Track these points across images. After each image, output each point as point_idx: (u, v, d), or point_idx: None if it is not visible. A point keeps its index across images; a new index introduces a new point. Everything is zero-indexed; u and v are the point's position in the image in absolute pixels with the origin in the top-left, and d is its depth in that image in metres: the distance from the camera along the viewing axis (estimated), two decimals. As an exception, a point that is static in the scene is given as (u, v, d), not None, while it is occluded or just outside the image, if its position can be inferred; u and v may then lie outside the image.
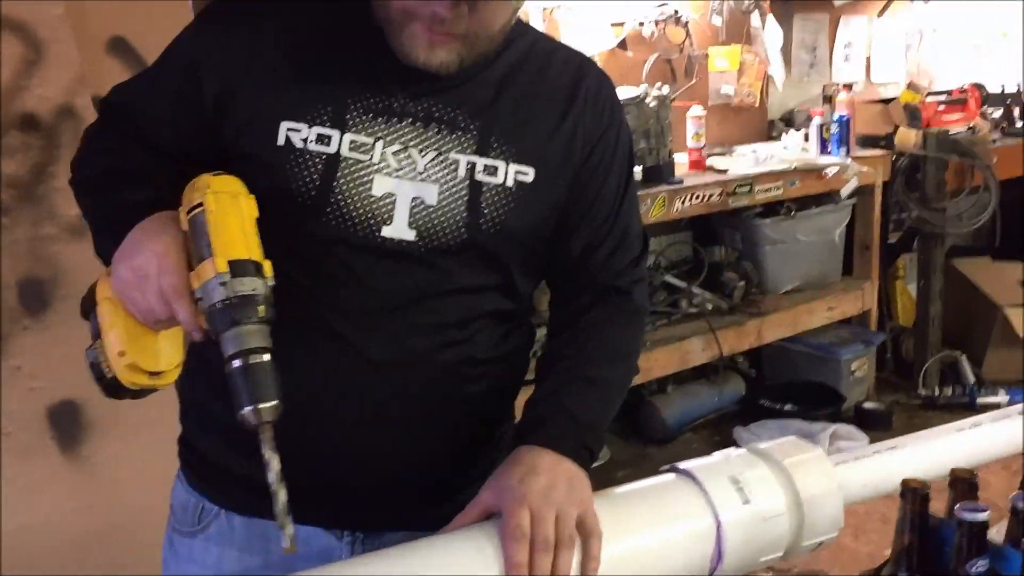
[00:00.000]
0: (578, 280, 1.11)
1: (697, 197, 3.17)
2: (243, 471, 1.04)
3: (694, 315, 3.41)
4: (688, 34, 3.56)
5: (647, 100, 3.12)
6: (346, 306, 1.01)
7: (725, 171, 3.33)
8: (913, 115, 3.91)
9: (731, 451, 1.06)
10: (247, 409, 0.87)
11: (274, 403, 0.88)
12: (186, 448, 1.16)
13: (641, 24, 3.46)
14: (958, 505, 0.93)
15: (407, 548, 0.90)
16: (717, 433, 3.53)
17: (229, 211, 0.92)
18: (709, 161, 3.40)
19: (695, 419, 3.56)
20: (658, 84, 3.30)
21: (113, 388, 0.95)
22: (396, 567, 0.88)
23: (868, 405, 3.68)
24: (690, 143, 3.37)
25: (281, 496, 0.87)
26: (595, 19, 3.30)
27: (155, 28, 2.19)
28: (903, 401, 3.84)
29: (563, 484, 0.93)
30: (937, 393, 3.79)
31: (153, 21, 2.22)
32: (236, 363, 0.88)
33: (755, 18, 3.74)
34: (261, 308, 0.89)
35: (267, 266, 0.92)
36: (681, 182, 3.17)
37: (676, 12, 3.50)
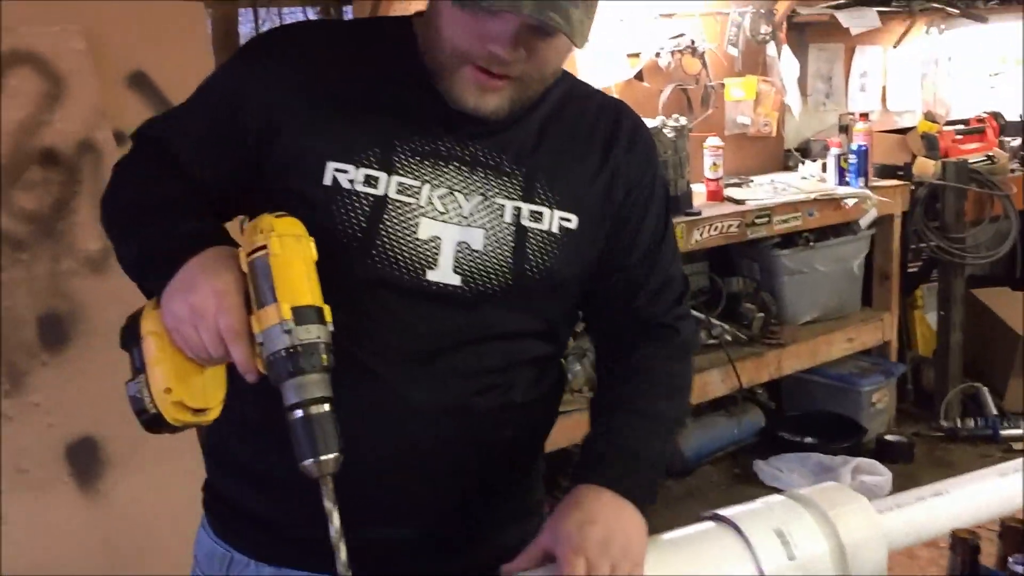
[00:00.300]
0: (623, 320, 1.11)
1: (715, 228, 3.15)
2: (274, 520, 1.02)
3: (713, 346, 3.37)
4: (704, 64, 3.56)
5: (664, 131, 3.11)
6: (387, 349, 0.99)
7: (743, 201, 3.31)
8: (931, 144, 3.88)
9: (774, 499, 1.03)
10: (309, 461, 0.86)
11: (336, 455, 0.87)
12: (210, 495, 1.14)
13: (657, 55, 3.46)
14: (1011, 558, 0.90)
15: None
16: (736, 465, 3.49)
17: (294, 256, 0.90)
18: (726, 192, 3.39)
19: (714, 451, 3.51)
20: (675, 115, 3.29)
21: (155, 424, 0.93)
22: None
23: (889, 437, 3.63)
24: (707, 173, 3.35)
25: (342, 551, 0.86)
26: (612, 50, 3.30)
27: (175, 63, 2.20)
28: (924, 433, 3.79)
29: (620, 538, 0.93)
30: (959, 425, 3.74)
31: (173, 56, 2.23)
32: (298, 413, 0.87)
33: (771, 48, 3.74)
34: (324, 357, 0.87)
35: (327, 311, 0.90)
36: (699, 213, 3.16)
37: (692, 42, 3.50)
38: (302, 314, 0.87)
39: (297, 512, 0.98)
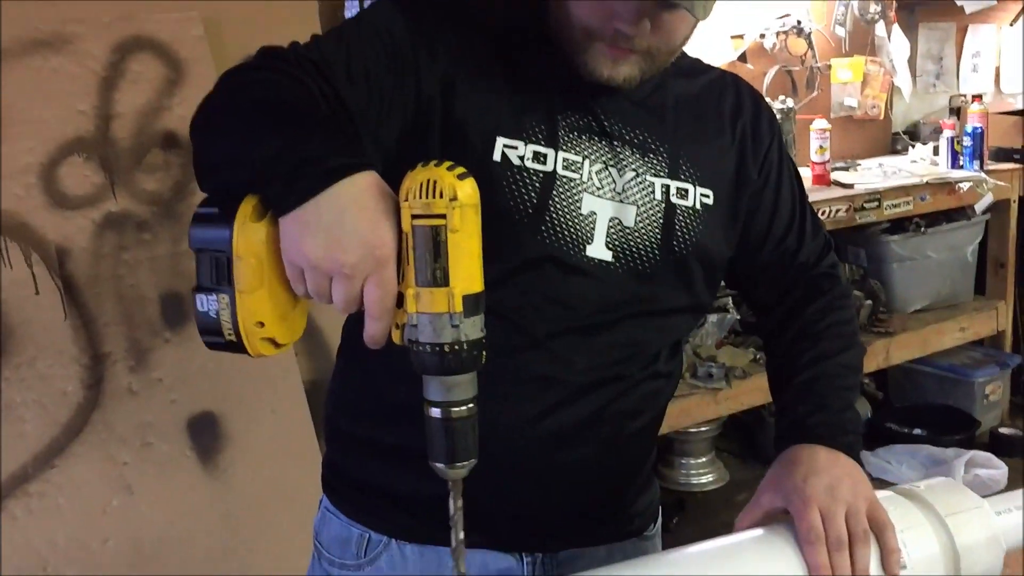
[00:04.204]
0: (784, 281, 1.13)
1: (823, 213, 3.06)
2: (414, 497, 1.01)
3: (818, 335, 3.29)
4: (810, 45, 3.47)
5: (771, 113, 3.04)
6: (551, 321, 0.98)
7: (851, 186, 3.22)
8: (1050, 126, 3.72)
9: (888, 497, 0.98)
10: (441, 465, 0.80)
11: (470, 461, 0.80)
12: (335, 475, 1.11)
13: (762, 36, 3.38)
14: None
15: (708, 551, 0.91)
16: (862, 446, 3.39)
17: (473, 233, 0.77)
18: (833, 176, 3.30)
19: (818, 442, 3.43)
20: (781, 97, 3.22)
21: (225, 348, 0.81)
22: (707, 568, 0.89)
23: (1004, 430, 3.49)
24: (814, 157, 3.26)
25: (462, 565, 0.82)
26: (715, 31, 3.24)
27: (289, 46, 2.24)
28: (1040, 427, 3.64)
29: (846, 480, 0.93)
30: (1076, 419, 3.58)
31: (288, 39, 2.26)
32: (436, 412, 0.78)
33: (879, 28, 3.62)
34: (483, 354, 0.78)
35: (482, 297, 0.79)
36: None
37: (798, 23, 3.41)
38: (471, 304, 0.76)
39: (436, 486, 0.98)
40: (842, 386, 1.05)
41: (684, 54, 1.07)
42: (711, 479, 3.24)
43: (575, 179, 0.98)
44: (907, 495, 0.98)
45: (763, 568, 0.89)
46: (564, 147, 0.98)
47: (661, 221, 1.02)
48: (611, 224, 0.99)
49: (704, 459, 3.26)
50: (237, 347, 0.80)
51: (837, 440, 0.98)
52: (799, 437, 0.99)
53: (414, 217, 0.76)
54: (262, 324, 0.79)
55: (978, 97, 3.74)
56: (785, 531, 0.92)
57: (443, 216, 0.75)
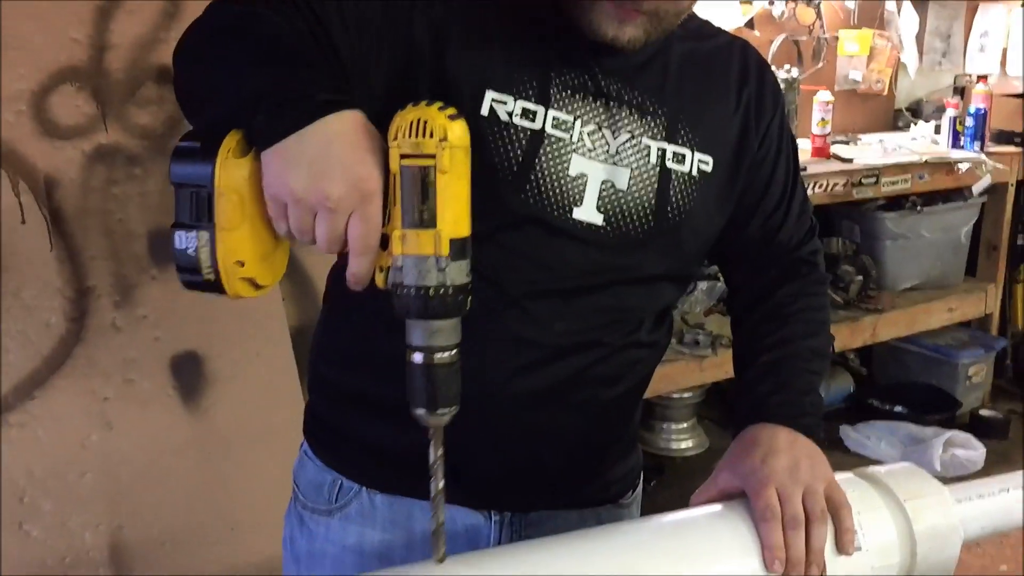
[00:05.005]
0: (761, 259, 1.11)
1: (820, 186, 3.05)
2: (387, 446, 1.01)
3: (807, 308, 3.29)
4: (819, 15, 3.43)
5: (775, 82, 3.01)
6: (532, 284, 0.97)
7: (850, 160, 3.20)
8: (1053, 111, 3.70)
9: (847, 479, 0.97)
10: (422, 411, 0.79)
11: (452, 408, 0.79)
12: (315, 422, 1.12)
13: (771, 3, 3.34)
14: None
15: (663, 525, 0.90)
16: (823, 430, 3.41)
17: (463, 175, 0.75)
18: (833, 149, 3.27)
19: (799, 414, 3.45)
20: (786, 66, 3.18)
21: (204, 288, 0.79)
22: (660, 542, 0.89)
23: (984, 412, 3.53)
24: (815, 129, 3.24)
25: (441, 512, 0.81)
26: (724, -4, 3.20)
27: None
28: (1020, 411, 3.67)
29: (805, 461, 0.93)
30: (1058, 405, 3.61)
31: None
32: (418, 357, 0.77)
33: (890, 3, 3.58)
34: (468, 300, 0.77)
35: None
36: (804, 169, 3.03)
37: (809, -9, 3.37)
38: (458, 248, 0.75)
39: (411, 438, 0.97)
40: (807, 369, 1.04)
41: (693, 15, 1.04)
42: (691, 445, 3.25)
43: (564, 139, 0.95)
44: (867, 478, 0.97)
45: (716, 544, 0.89)
46: (555, 105, 0.95)
47: (656, 186, 0.99)
48: (603, 187, 0.97)
49: (685, 424, 3.28)
50: (215, 286, 0.78)
51: (798, 421, 0.97)
52: (760, 416, 0.98)
53: (403, 157, 0.74)
54: (242, 263, 0.77)
55: (983, 78, 3.72)
56: (742, 508, 0.91)
57: (432, 156, 0.74)
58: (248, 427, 2.04)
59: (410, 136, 0.74)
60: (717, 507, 0.93)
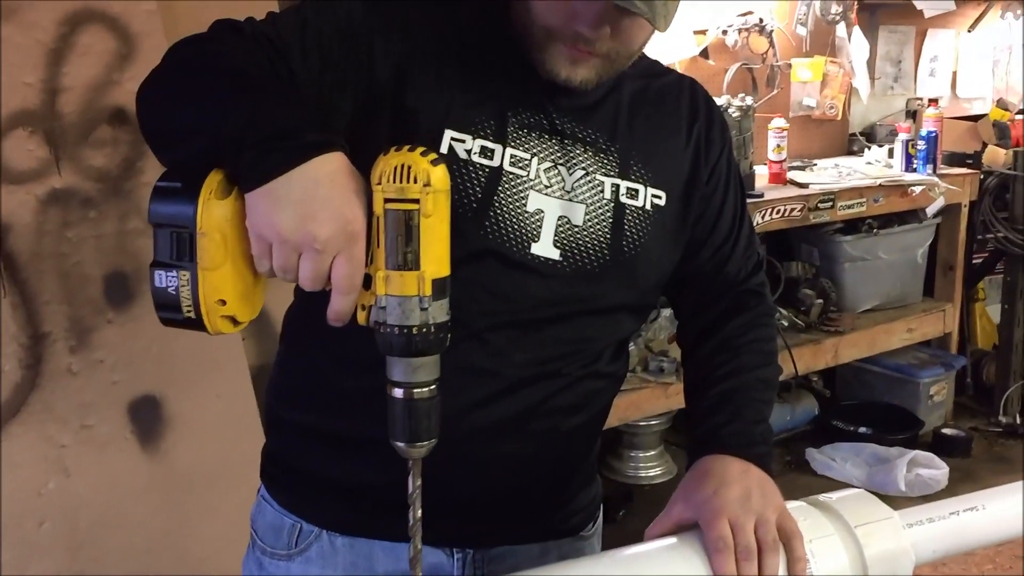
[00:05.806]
0: (711, 291, 1.13)
1: (777, 211, 3.09)
2: (349, 486, 1.01)
3: (769, 331, 3.32)
4: (772, 44, 3.48)
5: (729, 110, 3.05)
6: (492, 315, 0.98)
7: (806, 185, 3.24)
8: (1003, 133, 3.79)
9: (798, 507, 0.98)
10: (402, 444, 0.81)
11: (431, 440, 0.81)
12: (273, 464, 1.11)
13: (724, 32, 3.39)
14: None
15: (617, 559, 0.91)
16: (788, 452, 3.44)
17: (444, 218, 0.78)
18: (789, 175, 3.32)
19: (765, 438, 3.47)
20: (740, 94, 3.23)
21: (184, 325, 0.80)
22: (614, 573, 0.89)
23: (947, 431, 3.56)
24: (771, 155, 3.29)
25: (418, 539, 0.83)
26: (677, 26, 3.24)
27: (244, 25, 2.20)
28: (982, 428, 3.71)
29: (756, 491, 0.94)
30: (1018, 421, 3.66)
31: (243, 16, 2.22)
32: (399, 392, 0.80)
33: (840, 29, 3.65)
34: (448, 337, 0.79)
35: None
36: (761, 195, 3.10)
37: (761, 20, 3.43)
38: (440, 287, 0.78)
39: (374, 478, 0.97)
40: (758, 399, 1.05)
41: (643, 55, 1.06)
42: (659, 472, 3.26)
43: (522, 176, 0.97)
44: (818, 506, 0.99)
45: None
46: (512, 143, 0.97)
47: (611, 220, 1.01)
48: (560, 223, 0.99)
49: (653, 452, 3.28)
50: (195, 324, 0.79)
51: (750, 450, 0.99)
52: (713, 447, 0.99)
53: (387, 201, 0.77)
54: (224, 302, 0.78)
55: (934, 101, 3.80)
56: (695, 540, 0.92)
57: (416, 201, 0.76)
58: (208, 469, 2.02)
59: (394, 181, 0.77)
60: (672, 539, 0.93)
